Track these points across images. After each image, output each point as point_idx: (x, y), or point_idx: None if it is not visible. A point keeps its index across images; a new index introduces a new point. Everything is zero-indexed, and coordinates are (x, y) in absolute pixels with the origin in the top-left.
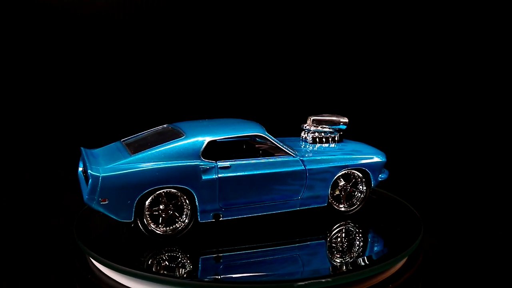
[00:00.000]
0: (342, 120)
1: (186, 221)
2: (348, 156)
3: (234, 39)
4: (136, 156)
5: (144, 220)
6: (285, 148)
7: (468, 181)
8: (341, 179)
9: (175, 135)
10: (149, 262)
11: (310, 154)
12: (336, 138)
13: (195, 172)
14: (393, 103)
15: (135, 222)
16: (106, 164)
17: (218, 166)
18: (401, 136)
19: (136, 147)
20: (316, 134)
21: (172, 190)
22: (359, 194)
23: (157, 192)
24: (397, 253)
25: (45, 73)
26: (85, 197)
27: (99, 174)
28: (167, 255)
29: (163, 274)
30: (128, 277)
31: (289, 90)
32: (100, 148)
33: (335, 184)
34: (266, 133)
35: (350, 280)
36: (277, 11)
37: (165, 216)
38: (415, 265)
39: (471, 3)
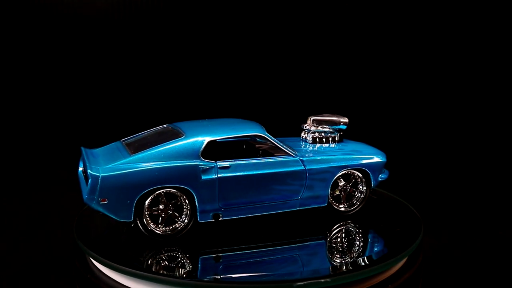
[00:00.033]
0: (342, 120)
1: (186, 221)
2: (348, 156)
3: (234, 39)
4: (136, 156)
5: (144, 220)
6: (285, 148)
7: (468, 181)
8: (341, 179)
9: (175, 135)
10: (149, 262)
11: (310, 154)
12: (336, 138)
13: (195, 172)
14: (393, 103)
15: (134, 222)
16: (106, 164)
17: (218, 166)
18: (401, 136)
19: (136, 147)
20: (316, 134)
21: (172, 190)
22: (359, 194)
23: (157, 192)
24: (397, 253)
25: (45, 73)
26: (85, 196)
27: (98, 174)
28: (166, 255)
29: (162, 274)
30: (128, 277)
31: (289, 90)
32: (100, 148)
33: (335, 184)
34: (266, 133)
35: (350, 280)
36: (277, 11)
37: (165, 216)
38: (415, 265)
39: (471, 3)
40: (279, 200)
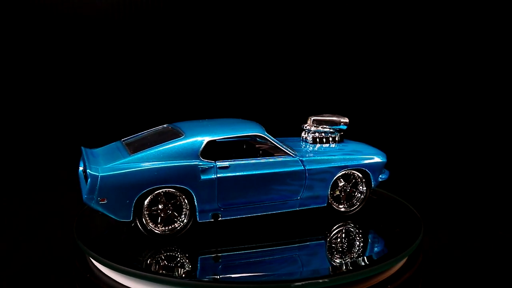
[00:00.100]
0: (342, 120)
1: (185, 221)
2: (348, 157)
3: (234, 39)
4: (135, 156)
5: (143, 219)
6: (284, 148)
7: (468, 181)
8: (341, 179)
9: (175, 135)
10: (148, 262)
11: (310, 154)
12: (336, 138)
13: (194, 172)
14: (393, 103)
15: (134, 221)
16: (105, 164)
17: (217, 166)
18: (401, 136)
19: (136, 147)
20: (317, 134)
21: (171, 189)
22: (359, 195)
23: (156, 192)
24: (397, 253)
25: (45, 73)
26: (84, 196)
27: (98, 174)
28: (166, 255)
29: (162, 274)
30: (128, 277)
31: (290, 90)
32: (100, 148)
33: (335, 185)
34: (266, 133)
35: (350, 280)
36: (277, 11)
37: (164, 216)
38: (415, 265)
39: (471, 3)
40: (279, 200)
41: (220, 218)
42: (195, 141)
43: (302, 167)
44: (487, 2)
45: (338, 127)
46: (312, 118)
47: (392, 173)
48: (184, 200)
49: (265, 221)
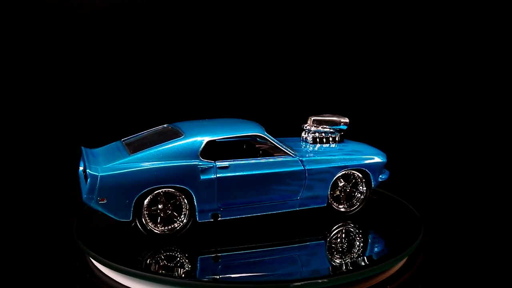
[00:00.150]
0: (342, 120)
1: (185, 220)
2: (348, 157)
3: (234, 39)
4: (135, 156)
5: (143, 219)
6: (284, 148)
7: (468, 181)
8: (341, 179)
9: (175, 135)
10: (148, 262)
11: (310, 154)
12: (336, 139)
13: (194, 172)
14: (393, 104)
15: (134, 221)
16: (105, 164)
17: (217, 166)
18: (402, 136)
19: (136, 147)
20: (317, 134)
21: (171, 189)
22: (359, 195)
23: (156, 192)
24: (397, 253)
25: (46, 73)
26: (84, 196)
27: (97, 174)
28: (165, 255)
29: (162, 274)
30: (128, 276)
31: (290, 90)
32: (100, 148)
33: (335, 185)
34: (265, 133)
35: (350, 280)
36: (277, 11)
37: (164, 216)
38: (415, 265)
39: (471, 3)
40: (279, 200)
41: (219, 218)
42: (195, 141)
43: (302, 167)
44: (487, 2)
45: (338, 127)
46: (312, 118)
47: (392, 173)
48: (183, 200)
49: (265, 221)
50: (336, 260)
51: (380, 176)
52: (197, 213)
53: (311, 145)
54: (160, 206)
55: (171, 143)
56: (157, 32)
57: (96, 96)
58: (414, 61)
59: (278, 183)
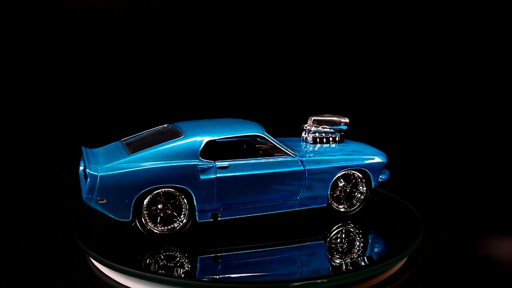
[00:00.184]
0: (343, 120)
1: (184, 220)
2: (348, 157)
3: (234, 39)
4: (135, 156)
5: (142, 219)
6: (284, 148)
7: (468, 181)
8: (341, 179)
9: (174, 134)
10: (148, 262)
11: (310, 155)
12: (336, 139)
13: (193, 171)
14: (393, 104)
15: (134, 221)
16: (105, 164)
17: (217, 166)
18: (402, 136)
19: (136, 147)
20: (317, 134)
21: (170, 189)
22: (359, 195)
23: (155, 192)
24: (397, 253)
25: (46, 72)
26: (84, 196)
27: (97, 173)
28: (165, 255)
29: (161, 274)
30: (127, 276)
31: (290, 90)
32: (100, 148)
33: (335, 185)
34: (265, 133)
35: (350, 280)
36: (277, 11)
37: (163, 216)
38: (415, 265)
39: (471, 3)
40: (278, 200)
41: (219, 218)
42: (195, 141)
43: (301, 167)
44: (487, 2)
45: (339, 127)
46: (312, 118)
47: (392, 173)
48: (183, 200)
49: (265, 221)
50: (336, 260)
51: (380, 176)
52: (196, 213)
53: (311, 145)
54: (159, 206)
55: (171, 143)
56: (157, 32)
57: (96, 96)
58: (414, 61)
59: (278, 183)
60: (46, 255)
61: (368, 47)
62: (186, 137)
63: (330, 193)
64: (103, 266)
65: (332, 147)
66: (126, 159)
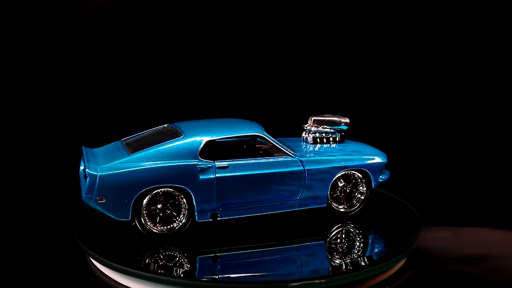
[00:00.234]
0: (343, 120)
1: (184, 220)
2: (348, 157)
3: (234, 39)
4: (134, 156)
5: (142, 219)
6: (284, 148)
7: (468, 181)
8: (341, 180)
9: (174, 134)
10: (147, 262)
11: (310, 155)
12: (337, 139)
13: (193, 171)
14: (393, 104)
15: (134, 221)
16: (105, 163)
17: (216, 166)
18: (402, 136)
19: (135, 147)
20: (317, 134)
21: (170, 189)
22: (359, 195)
23: (155, 192)
24: (397, 253)
25: (46, 72)
26: (83, 195)
27: (96, 173)
28: (165, 255)
29: (161, 274)
30: (127, 276)
31: (290, 91)
32: (101, 147)
33: (335, 185)
34: (265, 133)
35: (350, 280)
36: (278, 11)
37: (163, 216)
38: (415, 265)
39: (471, 3)
40: (278, 200)
41: (219, 218)
42: (194, 141)
43: (301, 167)
44: (487, 2)
45: (339, 127)
46: (312, 118)
47: (392, 173)
48: (182, 199)
49: (264, 221)
50: (335, 260)
51: (381, 176)
52: (196, 213)
53: (311, 145)
54: (159, 206)
55: (170, 143)
56: (157, 32)
57: (96, 96)
58: (414, 61)
59: (278, 183)
60: (46, 255)
61: (368, 47)
62: (185, 137)
63: (330, 193)
64: (103, 266)
65: (332, 147)
66: (125, 159)
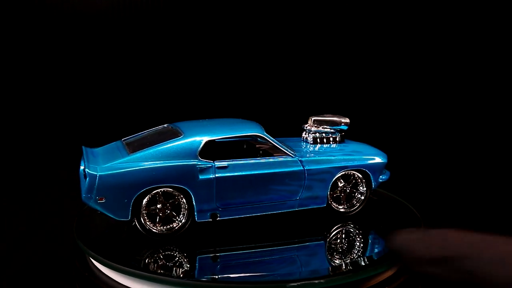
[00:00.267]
0: (343, 120)
1: (183, 220)
2: (348, 157)
3: (234, 39)
4: (134, 155)
5: (141, 219)
6: (283, 148)
7: (468, 181)
8: (341, 180)
9: (174, 134)
10: (147, 262)
11: (310, 155)
12: (337, 139)
13: (192, 171)
14: (393, 104)
15: (134, 221)
16: (104, 163)
17: (216, 166)
18: (402, 136)
19: (135, 147)
20: (317, 134)
21: (169, 189)
22: (359, 196)
23: (154, 191)
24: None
25: (46, 72)
26: (83, 195)
27: (96, 173)
28: (164, 255)
29: (161, 274)
30: (127, 276)
31: (290, 91)
32: (101, 147)
33: (335, 185)
34: (265, 133)
35: (350, 280)
36: (278, 11)
37: (162, 216)
38: None
39: (471, 3)
40: (278, 200)
41: (218, 218)
42: (194, 141)
43: (301, 167)
44: (487, 2)
45: (339, 127)
46: (312, 119)
47: (393, 173)
48: (182, 199)
49: (264, 221)
50: (335, 261)
51: (381, 176)
52: (195, 213)
53: (311, 145)
54: (158, 206)
55: (170, 142)
56: (157, 32)
57: (96, 96)
58: (414, 61)
59: (277, 183)
60: (46, 255)
61: (368, 47)
62: (185, 137)
63: (330, 193)
64: (102, 266)
65: (332, 147)
66: (125, 159)
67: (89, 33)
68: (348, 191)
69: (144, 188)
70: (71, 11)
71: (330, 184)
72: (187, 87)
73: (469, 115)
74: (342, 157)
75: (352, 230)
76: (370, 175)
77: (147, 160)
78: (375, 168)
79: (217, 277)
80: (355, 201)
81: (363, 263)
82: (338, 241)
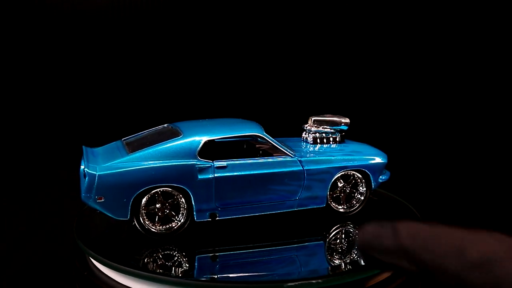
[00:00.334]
0: (343, 120)
1: (182, 220)
2: (348, 157)
3: (234, 39)
4: (133, 155)
5: (141, 218)
6: (283, 148)
7: (468, 181)
8: (341, 180)
9: (174, 134)
10: (146, 261)
11: (309, 155)
12: (337, 139)
13: (191, 171)
14: (394, 104)
15: (134, 221)
16: (104, 163)
17: (215, 165)
18: (402, 136)
19: (135, 146)
20: (317, 134)
21: (168, 189)
22: (359, 196)
23: (153, 191)
24: None
25: (46, 72)
26: (82, 194)
27: (95, 173)
28: (163, 254)
29: (160, 273)
30: (127, 276)
31: (290, 91)
32: (101, 147)
33: (335, 185)
34: (264, 133)
35: (349, 280)
36: (278, 11)
37: (162, 215)
38: None
39: (471, 3)
40: (277, 200)
41: (217, 218)
42: (193, 140)
43: (300, 167)
44: (487, 2)
45: (339, 127)
46: (312, 119)
47: (393, 173)
48: (181, 199)
49: (263, 221)
50: (335, 261)
51: (381, 176)
52: (195, 213)
53: (311, 145)
54: (158, 206)
55: (169, 142)
56: (157, 32)
57: (96, 96)
58: (414, 61)
59: (277, 183)
60: (46, 255)
61: (368, 47)
62: (184, 136)
63: (329, 193)
64: (102, 266)
65: (332, 148)
66: (124, 159)
67: (89, 33)
68: (347, 191)
69: (143, 187)
70: (71, 10)
71: (330, 184)
72: (187, 87)
73: (469, 115)
74: (341, 157)
75: (351, 230)
76: (370, 175)
77: (146, 159)
78: (375, 168)
79: (216, 276)
80: (355, 201)
81: (362, 263)
82: (338, 241)
